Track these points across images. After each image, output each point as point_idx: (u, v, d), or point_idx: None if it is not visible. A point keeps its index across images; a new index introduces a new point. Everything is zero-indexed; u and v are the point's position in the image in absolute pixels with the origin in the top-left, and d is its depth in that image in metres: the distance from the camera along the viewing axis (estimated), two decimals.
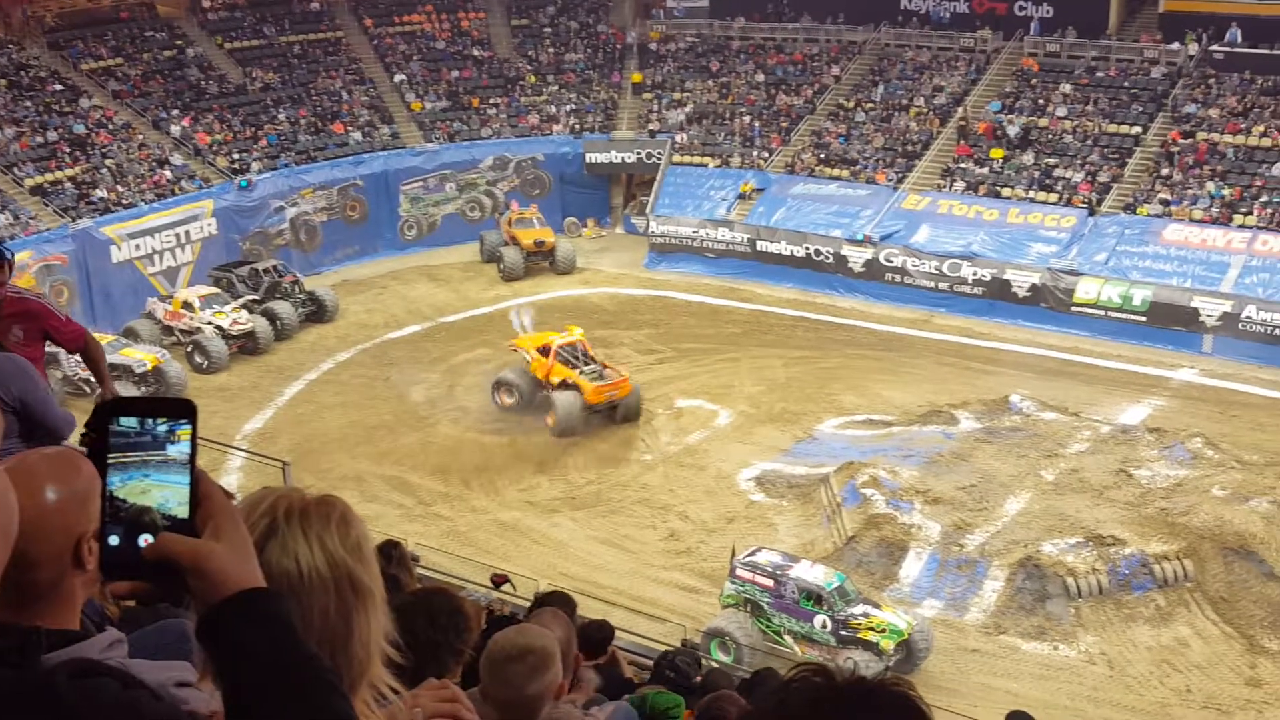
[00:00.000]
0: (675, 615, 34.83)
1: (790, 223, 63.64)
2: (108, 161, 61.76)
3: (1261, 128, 59.61)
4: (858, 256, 61.17)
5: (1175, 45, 64.93)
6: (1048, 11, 69.25)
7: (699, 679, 15.79)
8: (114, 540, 3.08)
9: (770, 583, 34.29)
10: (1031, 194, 61.12)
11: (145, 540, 3.06)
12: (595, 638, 12.61)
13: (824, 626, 33.63)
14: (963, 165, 64.07)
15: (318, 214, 67.22)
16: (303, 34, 75.66)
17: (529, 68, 77.48)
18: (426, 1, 79.47)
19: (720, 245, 65.15)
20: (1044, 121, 64.76)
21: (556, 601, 11.00)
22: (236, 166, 65.17)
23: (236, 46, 73.52)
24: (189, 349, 54.07)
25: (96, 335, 9.76)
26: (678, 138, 71.27)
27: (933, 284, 59.44)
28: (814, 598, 33.71)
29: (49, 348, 9.64)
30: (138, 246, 58.92)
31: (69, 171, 60.46)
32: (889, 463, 42.23)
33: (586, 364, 48.61)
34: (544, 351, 48.83)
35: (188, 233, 61.13)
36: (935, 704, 27.49)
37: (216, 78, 70.89)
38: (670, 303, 61.79)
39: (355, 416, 50.10)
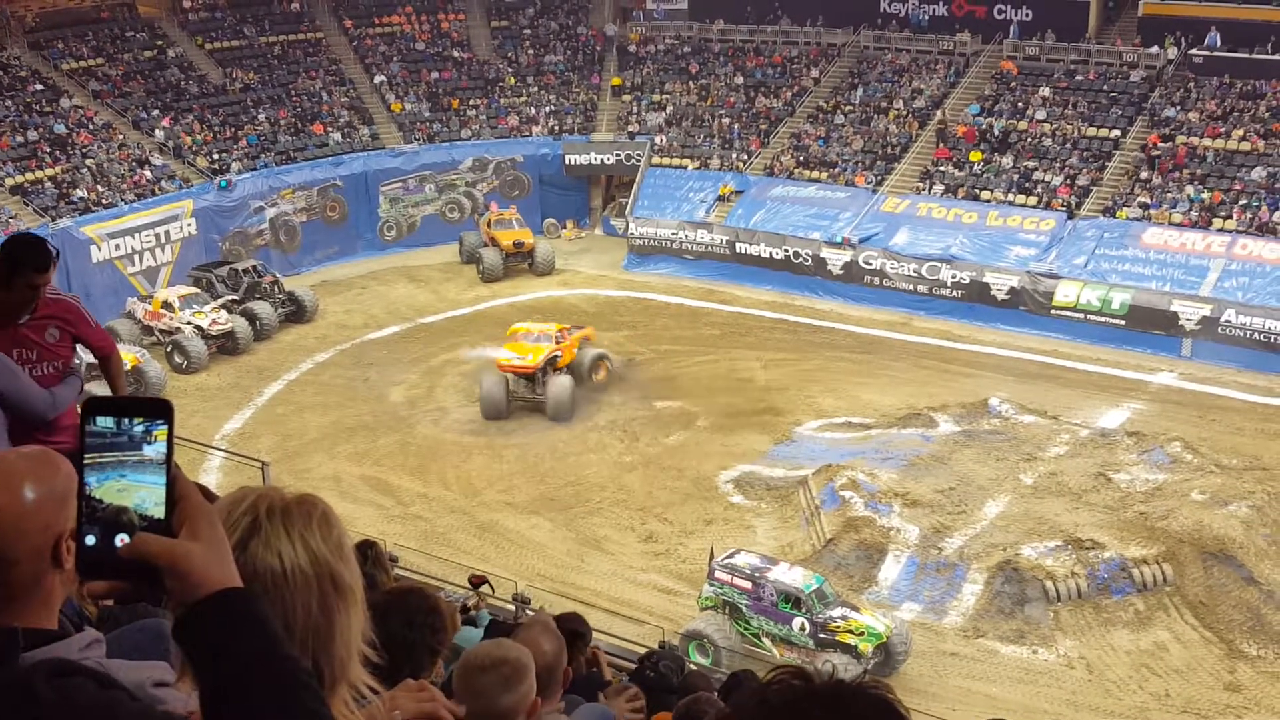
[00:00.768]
0: (653, 617, 34.80)
1: (769, 225, 63.69)
2: (88, 161, 61.64)
3: (1240, 132, 59.76)
4: (837, 259, 61.22)
5: (1154, 49, 65.11)
6: (1027, 15, 69.38)
7: (679, 679, 15.74)
8: (91, 540, 3.06)
9: (749, 585, 34.28)
10: (1011, 197, 61.24)
11: (122, 540, 3.04)
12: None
13: (802, 629, 33.63)
14: (942, 168, 64.16)
15: (297, 214, 67.17)
16: (283, 35, 75.60)
17: (509, 69, 77.48)
18: (406, 3, 79.48)
19: (699, 247, 65.18)
20: (1023, 124, 64.89)
21: (568, 622, 10.94)
22: (216, 167, 65.08)
23: (217, 47, 73.45)
24: (168, 349, 53.97)
25: None
26: (657, 140, 71.30)
27: (912, 286, 59.50)
28: (792, 600, 33.71)
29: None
30: (118, 246, 58.82)
31: (49, 171, 60.34)
32: (868, 465, 42.29)
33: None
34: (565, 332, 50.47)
35: (167, 233, 61.03)
36: (914, 707, 27.54)
37: (197, 78, 70.79)
38: (649, 304, 61.79)
39: (334, 417, 50.04)
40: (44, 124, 62.83)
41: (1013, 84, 67.43)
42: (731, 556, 35.42)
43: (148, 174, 62.56)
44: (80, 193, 59.65)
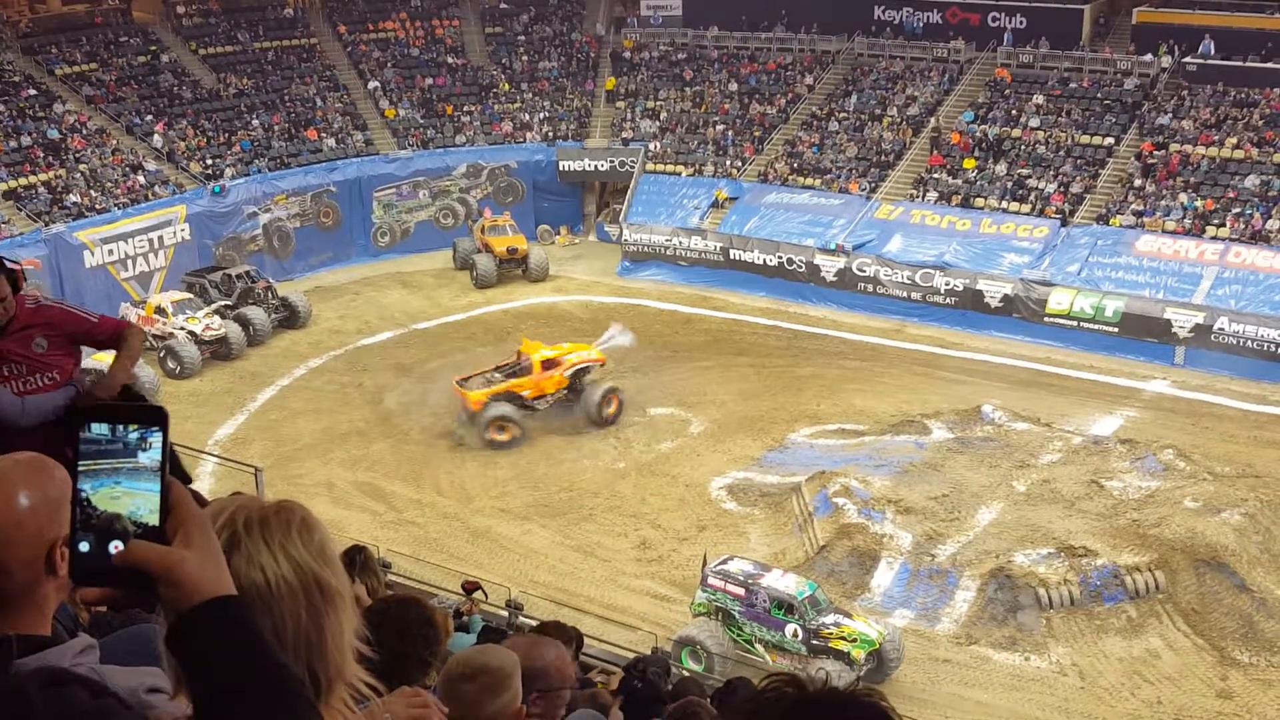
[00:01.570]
0: (646, 623, 34.79)
1: (763, 232, 63.68)
2: (81, 166, 61.57)
3: (1234, 140, 59.81)
4: (830, 266, 61.24)
5: (1148, 57, 65.17)
6: (1021, 22, 69.44)
7: (670, 687, 15.70)
8: (84, 547, 3.06)
9: (742, 591, 34.29)
10: (1004, 204, 61.26)
11: (116, 547, 3.04)
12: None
13: (795, 635, 33.64)
14: (935, 175, 64.18)
15: (291, 220, 67.12)
16: (277, 40, 75.51)
17: (503, 75, 77.42)
18: (401, 9, 79.45)
19: (693, 254, 65.19)
20: (1017, 132, 64.91)
21: (551, 630, 10.92)
22: (210, 172, 65.01)
23: (210, 52, 73.35)
24: (161, 354, 53.92)
25: None
26: (651, 146, 71.30)
27: (905, 294, 59.52)
28: (785, 607, 33.72)
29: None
30: (111, 251, 58.80)
31: (42, 176, 60.24)
32: (861, 472, 42.31)
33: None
34: (549, 365, 49.48)
35: (161, 238, 61.00)
36: (906, 714, 27.57)
37: (190, 83, 70.70)
38: (643, 311, 61.77)
39: (328, 423, 50.03)
40: (37, 129, 62.76)
41: (1006, 91, 67.46)
42: (724, 563, 35.42)
43: (141, 179, 62.48)
44: (73, 198, 59.56)
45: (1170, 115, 62.44)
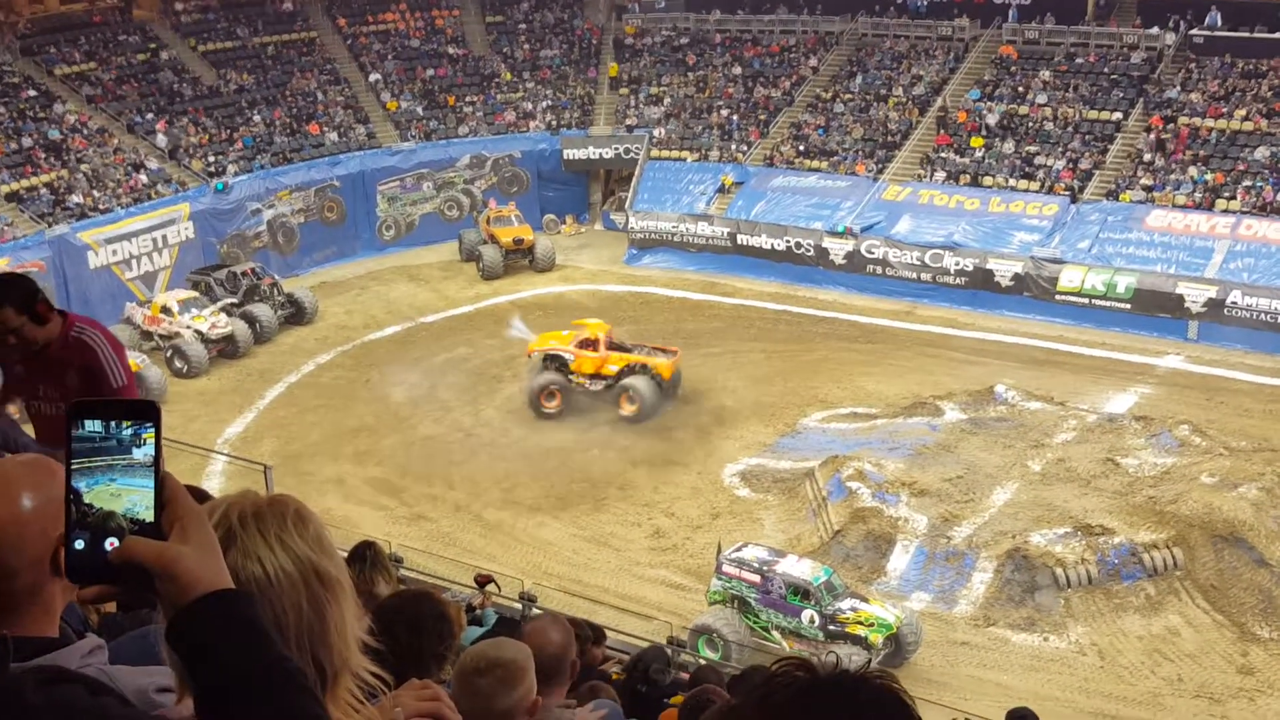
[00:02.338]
0: (662, 613, 34.82)
1: (770, 216, 63.65)
2: (83, 167, 61.55)
3: (1243, 111, 59.72)
4: (839, 249, 61.21)
5: (1155, 30, 65.07)
6: None
7: (671, 680, 15.63)
8: (80, 544, 3.07)
9: (757, 578, 34.29)
10: (1013, 182, 61.20)
11: (111, 544, 3.05)
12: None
13: (812, 621, 33.64)
14: (943, 155, 64.12)
15: (295, 216, 67.13)
16: (276, 35, 75.50)
17: (504, 65, 77.42)
18: (400, 0, 79.37)
19: (700, 240, 65.18)
20: (1024, 109, 64.85)
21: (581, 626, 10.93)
22: (212, 169, 64.99)
23: (210, 49, 73.31)
24: (168, 354, 53.97)
25: None
26: (655, 132, 71.26)
27: (915, 275, 59.49)
28: (801, 593, 33.72)
29: None
30: (115, 252, 58.78)
31: (44, 177, 60.23)
32: (874, 455, 42.29)
33: (634, 348, 50.33)
34: (588, 345, 49.22)
35: (165, 237, 60.98)
36: (925, 697, 27.60)
37: (190, 80, 70.68)
38: (651, 298, 61.83)
39: (336, 419, 50.05)
40: (38, 130, 62.77)
41: (1013, 68, 67.40)
42: (739, 550, 35.43)
43: (143, 178, 62.48)
44: (76, 198, 59.56)
45: (1178, 88, 62.34)
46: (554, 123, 73.82)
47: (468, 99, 74.77)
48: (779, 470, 43.77)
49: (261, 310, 57.59)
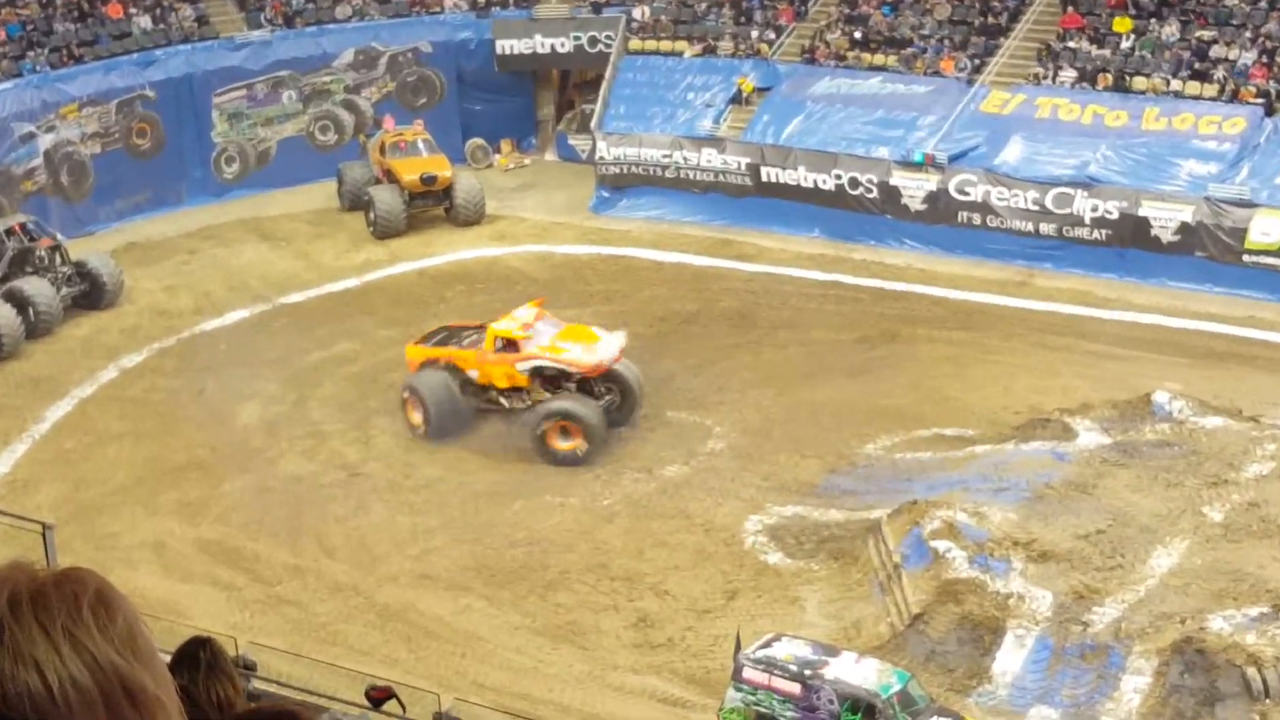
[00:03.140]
0: None
1: (812, 139, 63.72)
2: None
3: None
4: (915, 188, 61.29)
5: None
6: None
7: None
8: None
9: (795, 688, 34.33)
10: (1179, 85, 61.24)
11: None
12: None
13: None
14: (1071, 44, 64.17)
15: (87, 143, 67.02)
16: None
17: None
18: None
19: (705, 175, 65.26)
20: None
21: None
22: None
23: None
24: None
25: None
26: (635, 13, 71.22)
27: (1031, 226, 59.54)
28: (863, 709, 33.77)
29: None
30: None
31: None
32: (971, 500, 42.32)
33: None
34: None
35: None
36: None
37: None
38: (632, 265, 61.87)
39: (154, 451, 49.95)
40: None
41: None
42: (768, 646, 35.46)
43: None
44: None
45: None
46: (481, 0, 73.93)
47: None
48: (827, 524, 43.81)
49: (35, 287, 57.38)
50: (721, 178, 64.88)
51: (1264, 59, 60.89)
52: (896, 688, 33.97)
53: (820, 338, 54.96)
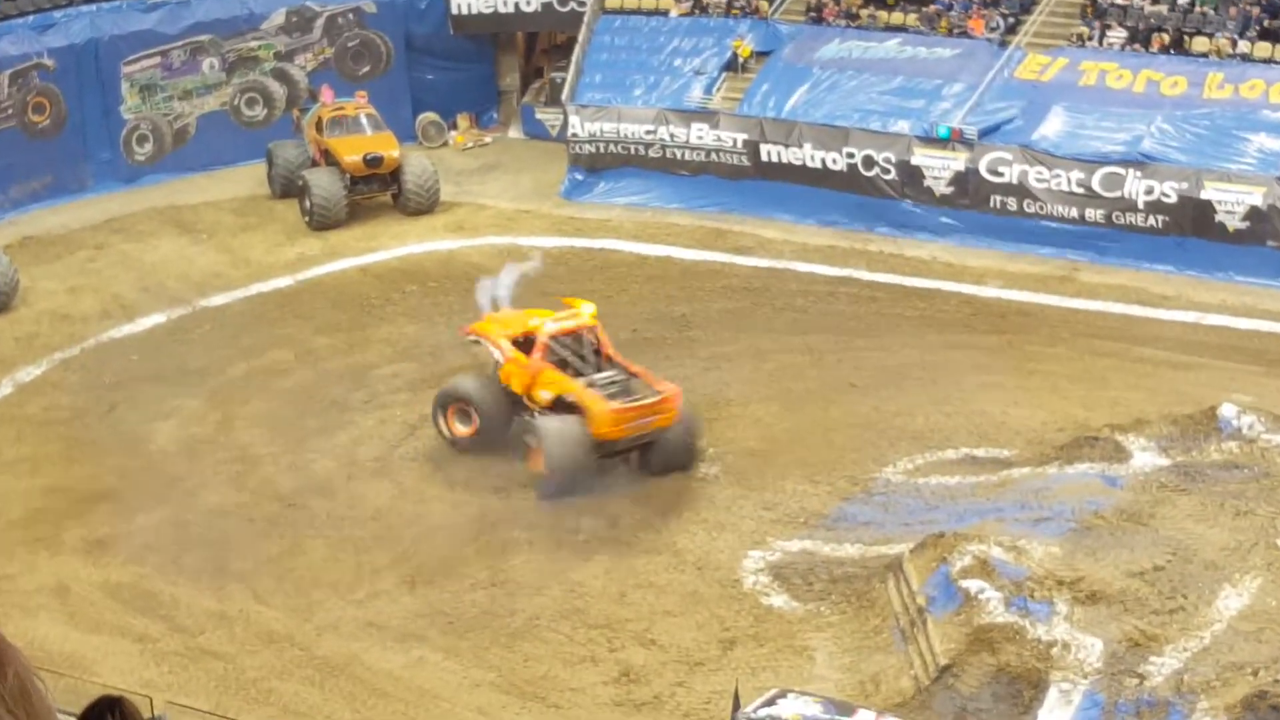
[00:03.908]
0: None
1: (819, 111, 63.84)
2: None
3: None
4: (940, 168, 61.38)
5: None
6: None
7: None
8: None
9: None
10: (1246, 46, 61.32)
11: None
12: None
13: None
14: (1120, 0, 64.27)
15: None
16: None
17: None
18: None
19: (696, 155, 65.35)
20: None
21: None
22: None
23: None
24: None
25: None
26: None
27: (1075, 212, 59.61)
28: None
29: None
30: None
31: None
32: (1008, 533, 42.29)
33: (598, 368, 48.60)
34: (524, 345, 48.66)
35: None
36: None
37: None
38: (610, 260, 61.94)
39: (55, 480, 49.89)
40: None
41: None
42: (771, 704, 35.50)
43: None
44: None
45: None
46: None
47: None
48: (840, 560, 43.79)
49: None
50: (714, 157, 64.97)
51: None
52: None
53: (830, 343, 55.01)
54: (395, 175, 65.80)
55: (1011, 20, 64.66)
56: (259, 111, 71.17)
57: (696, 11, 68.89)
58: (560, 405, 47.29)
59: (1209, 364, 52.19)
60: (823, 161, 62.94)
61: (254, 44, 71.51)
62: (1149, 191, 58.45)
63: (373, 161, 65.59)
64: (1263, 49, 60.82)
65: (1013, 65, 63.06)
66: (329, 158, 65.99)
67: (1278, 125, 58.40)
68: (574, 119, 67.18)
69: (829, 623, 41.91)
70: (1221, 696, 36.72)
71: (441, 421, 48.95)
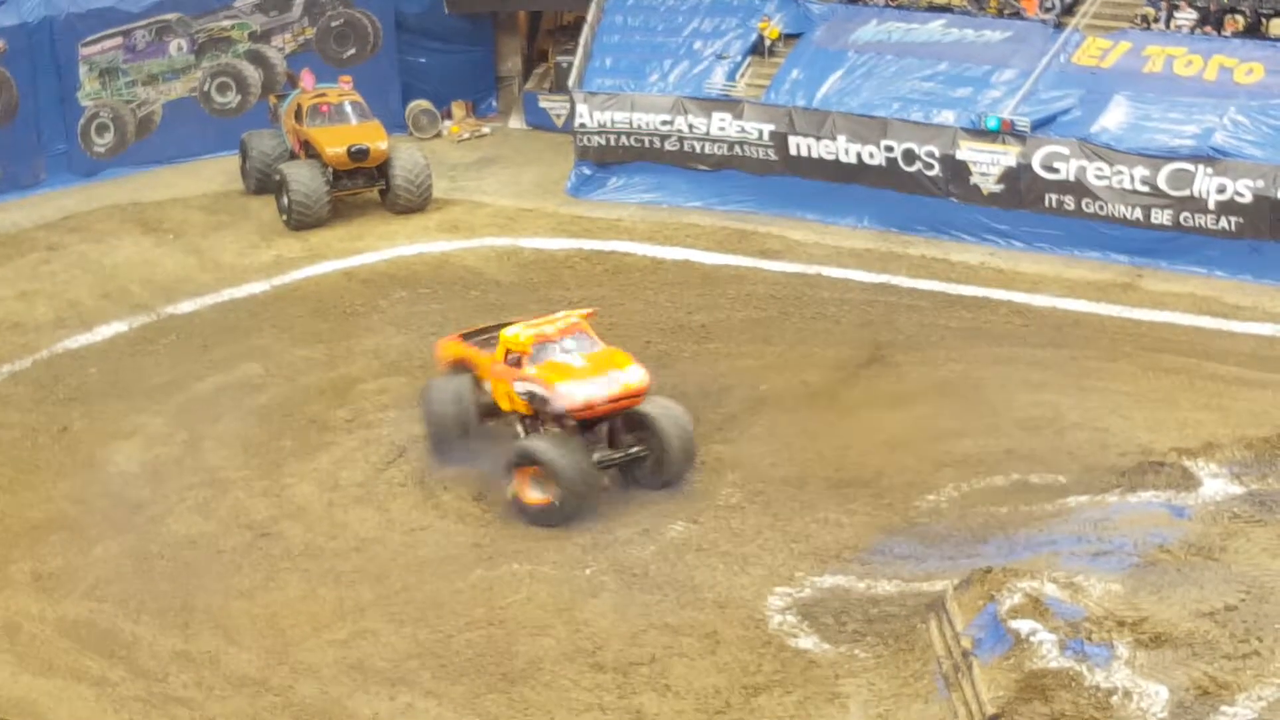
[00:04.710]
0: None
1: (855, 100, 63.95)
2: None
3: None
4: (989, 162, 61.38)
5: None
6: None
7: None
8: None
9: None
10: None
11: None
12: None
13: None
14: None
15: None
16: None
17: None
18: None
19: (717, 148, 65.38)
20: None
21: None
22: None
23: None
24: None
25: None
26: None
27: (1139, 213, 59.58)
28: None
29: None
30: None
31: None
32: (1063, 567, 42.21)
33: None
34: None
35: None
36: None
37: None
38: (622, 264, 61.99)
39: (3, 506, 49.88)
40: None
41: None
42: None
43: None
44: None
45: None
46: None
47: None
48: (876, 599, 43.65)
49: None
50: (738, 151, 65.06)
51: None
52: None
53: (867, 358, 54.96)
54: (383, 169, 65.88)
55: (1067, 2, 64.64)
56: (231, 98, 71.39)
57: None
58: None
59: None
60: (858, 156, 63.01)
61: (226, 23, 71.75)
62: (1221, 190, 58.45)
63: (358, 154, 65.62)
64: None
65: (1070, 49, 63.11)
66: (309, 150, 66.06)
67: None
68: (581, 108, 67.23)
69: (864, 667, 41.65)
70: None
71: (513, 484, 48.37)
